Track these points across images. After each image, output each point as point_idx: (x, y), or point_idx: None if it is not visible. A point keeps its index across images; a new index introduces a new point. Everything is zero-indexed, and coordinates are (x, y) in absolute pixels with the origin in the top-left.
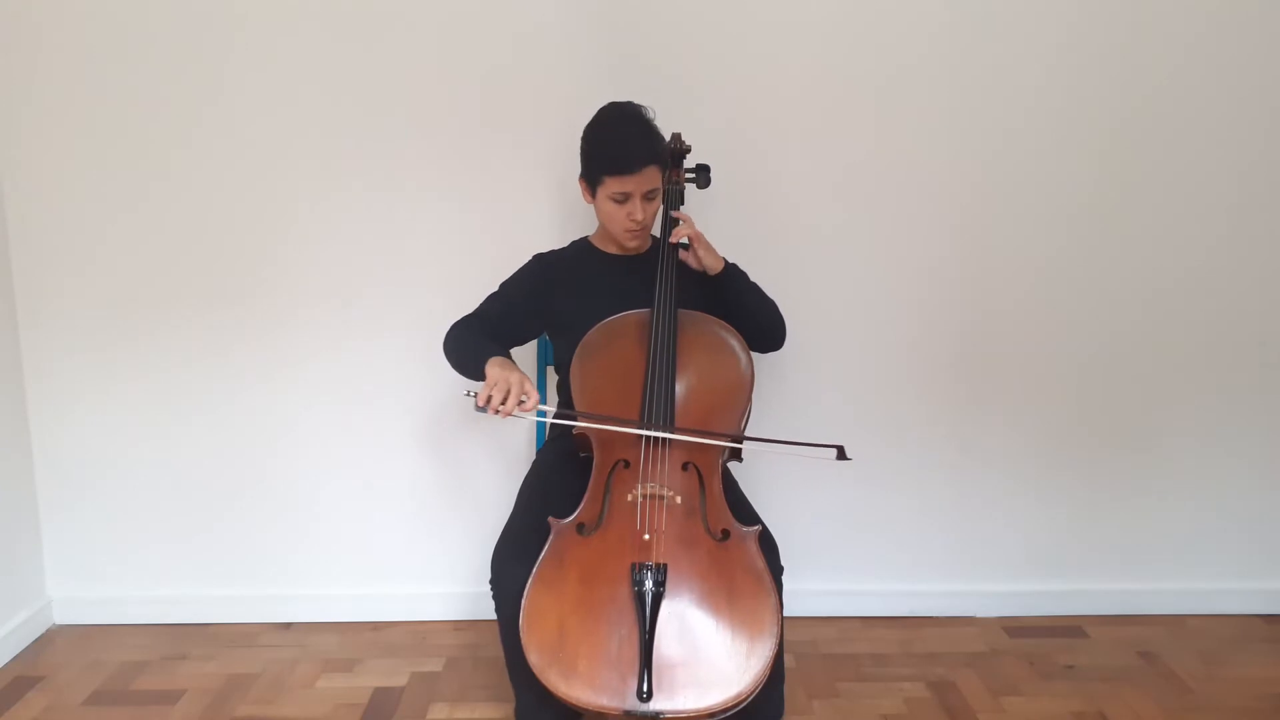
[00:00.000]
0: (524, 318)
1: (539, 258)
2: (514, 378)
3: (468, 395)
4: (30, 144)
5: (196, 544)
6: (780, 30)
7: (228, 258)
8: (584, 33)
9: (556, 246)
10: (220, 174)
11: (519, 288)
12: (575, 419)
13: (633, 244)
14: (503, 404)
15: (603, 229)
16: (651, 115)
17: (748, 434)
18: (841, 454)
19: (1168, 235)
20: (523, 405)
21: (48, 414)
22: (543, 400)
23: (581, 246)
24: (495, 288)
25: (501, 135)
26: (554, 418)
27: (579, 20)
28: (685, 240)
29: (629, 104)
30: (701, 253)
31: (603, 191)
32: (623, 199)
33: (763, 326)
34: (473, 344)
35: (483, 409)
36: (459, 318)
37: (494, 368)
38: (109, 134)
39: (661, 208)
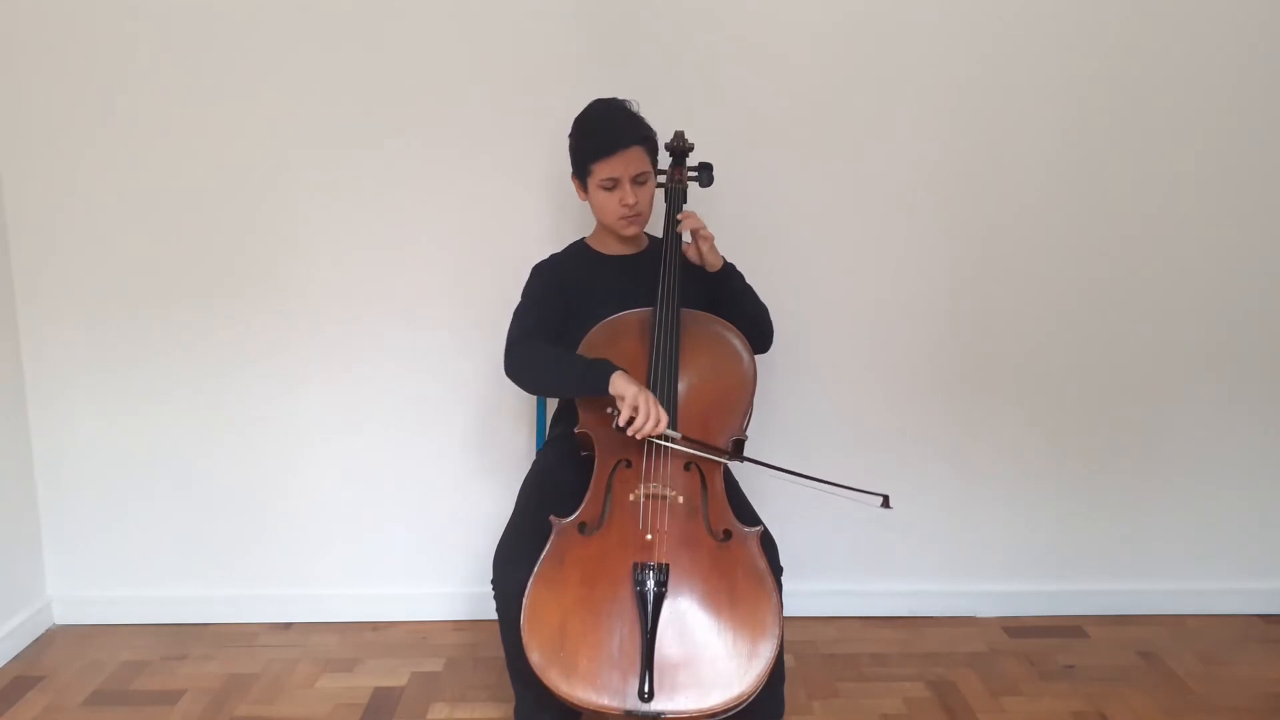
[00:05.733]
0: (561, 317)
1: (538, 268)
2: (651, 399)
3: (609, 411)
4: (32, 141)
5: (196, 544)
6: (781, 27)
7: (228, 257)
8: (585, 33)
9: (556, 250)
10: (221, 170)
11: (539, 295)
12: (703, 448)
13: (630, 231)
14: (642, 426)
15: (599, 228)
16: (635, 106)
17: (800, 471)
18: (886, 503)
19: (1169, 236)
20: (657, 428)
21: (48, 413)
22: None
23: (578, 248)
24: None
25: (502, 135)
26: (677, 443)
27: (580, 20)
28: (690, 234)
29: (612, 98)
30: (705, 247)
31: (593, 182)
32: (612, 185)
33: (753, 328)
34: (570, 358)
35: (623, 429)
36: (512, 342)
37: (628, 384)
38: (110, 135)
39: (667, 207)
